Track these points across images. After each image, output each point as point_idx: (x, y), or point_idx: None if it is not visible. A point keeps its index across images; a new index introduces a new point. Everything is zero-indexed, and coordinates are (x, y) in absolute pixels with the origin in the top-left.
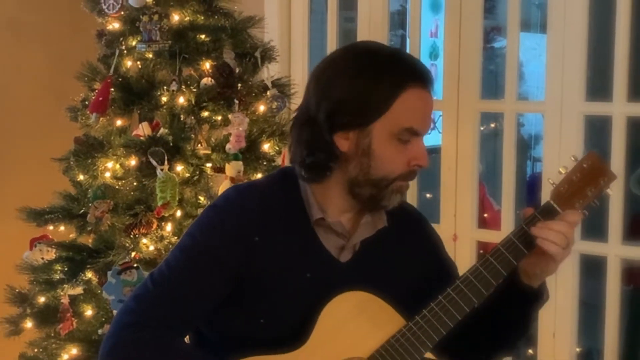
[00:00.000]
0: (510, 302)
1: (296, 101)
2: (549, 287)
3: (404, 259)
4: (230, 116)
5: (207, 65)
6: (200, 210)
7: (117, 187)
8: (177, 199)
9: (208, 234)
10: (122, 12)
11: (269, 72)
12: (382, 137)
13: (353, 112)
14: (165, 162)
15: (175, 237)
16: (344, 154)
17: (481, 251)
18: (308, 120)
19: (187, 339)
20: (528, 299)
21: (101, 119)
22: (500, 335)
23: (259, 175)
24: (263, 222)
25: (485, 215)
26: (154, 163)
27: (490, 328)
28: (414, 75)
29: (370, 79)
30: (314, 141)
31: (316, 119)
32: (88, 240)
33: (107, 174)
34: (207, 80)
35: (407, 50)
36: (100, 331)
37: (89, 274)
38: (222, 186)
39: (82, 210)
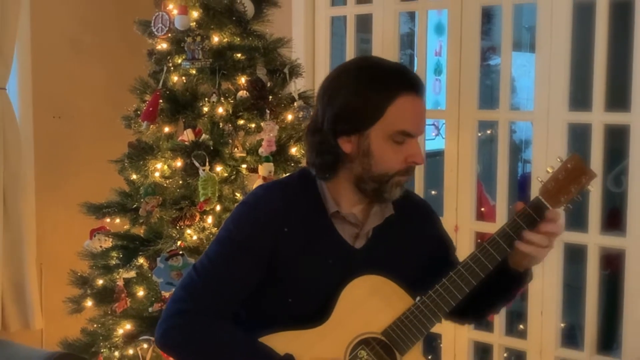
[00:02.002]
0: (499, 281)
1: None
2: (538, 273)
3: (410, 241)
4: (262, 124)
5: (242, 80)
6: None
7: (165, 185)
8: (217, 195)
9: (241, 227)
10: (170, 34)
11: (296, 86)
12: (379, 139)
13: (352, 119)
14: (207, 164)
15: (215, 228)
16: (348, 155)
17: (479, 240)
18: (317, 128)
19: None
20: (514, 280)
21: (151, 126)
22: (489, 303)
23: None
24: (287, 215)
25: (483, 209)
26: (197, 164)
27: (482, 297)
28: (404, 84)
29: (365, 89)
30: (321, 145)
31: (322, 127)
32: (140, 230)
33: (157, 174)
34: (242, 93)
35: (415, 67)
36: (150, 309)
37: (141, 260)
38: (256, 184)
39: (135, 205)
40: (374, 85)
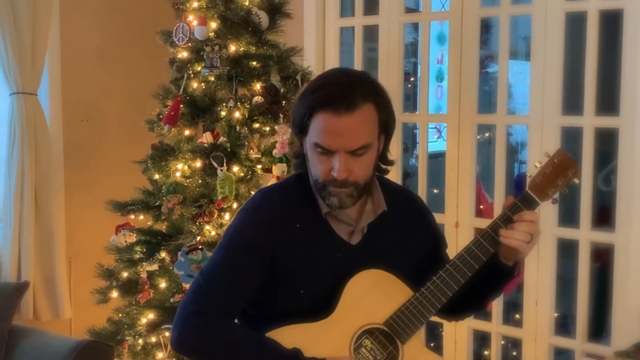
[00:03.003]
0: (489, 275)
1: None
2: (533, 266)
3: (405, 235)
4: (276, 127)
5: (257, 86)
6: None
7: (185, 184)
8: (234, 193)
9: (242, 232)
10: (190, 44)
11: None
12: (309, 147)
13: (294, 124)
14: (224, 164)
15: None
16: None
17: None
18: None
19: None
20: (503, 274)
21: (173, 129)
22: (479, 297)
23: None
24: (285, 217)
25: (481, 206)
26: (215, 165)
27: (473, 292)
28: (320, 102)
29: (301, 99)
30: (294, 147)
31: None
32: (162, 226)
33: (178, 174)
34: (257, 99)
35: (419, 74)
36: (172, 300)
37: (163, 254)
38: (270, 183)
39: (158, 203)
40: (303, 100)
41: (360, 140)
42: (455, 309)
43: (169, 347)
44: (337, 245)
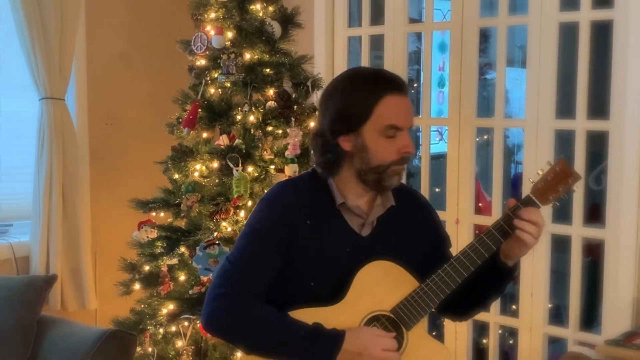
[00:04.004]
0: (490, 275)
1: None
2: (529, 260)
3: (411, 229)
4: (288, 130)
5: (271, 92)
6: None
7: (203, 183)
8: (249, 192)
9: (262, 220)
10: (207, 52)
11: (317, 97)
12: (372, 135)
13: (346, 120)
14: (240, 165)
15: None
16: (348, 152)
17: (477, 232)
18: (317, 132)
19: None
20: (503, 274)
21: (191, 132)
22: (481, 297)
23: None
24: (300, 208)
25: (480, 204)
26: (231, 165)
27: (475, 291)
28: (386, 86)
29: (354, 94)
30: (324, 146)
31: (323, 130)
32: (181, 223)
33: (196, 174)
34: (271, 103)
35: (421, 81)
36: (190, 292)
37: (182, 249)
38: None
39: (177, 201)
40: (361, 89)
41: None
42: (462, 309)
43: (188, 335)
44: (349, 236)
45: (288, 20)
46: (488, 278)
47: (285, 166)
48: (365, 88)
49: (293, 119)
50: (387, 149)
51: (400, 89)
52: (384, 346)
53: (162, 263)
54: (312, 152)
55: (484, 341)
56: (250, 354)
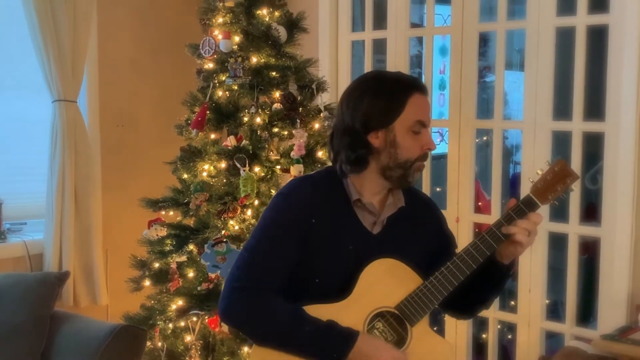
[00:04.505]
0: (489, 274)
1: None
2: (528, 258)
3: (419, 231)
4: (293, 131)
5: (277, 94)
6: None
7: (211, 183)
8: (255, 192)
9: (279, 213)
10: (215, 56)
11: (322, 99)
12: (402, 131)
13: (379, 116)
14: (247, 165)
15: (254, 220)
16: (376, 148)
17: (476, 230)
18: (345, 130)
19: None
20: (502, 273)
21: (200, 133)
22: (481, 295)
23: None
24: (315, 203)
25: (480, 203)
26: (238, 165)
27: (476, 290)
28: (414, 85)
29: (386, 92)
30: (353, 143)
31: (353, 127)
32: (190, 221)
33: (204, 174)
34: (277, 105)
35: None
36: (199, 288)
37: (191, 246)
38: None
39: (186, 200)
40: (392, 87)
41: None
42: (465, 307)
43: (197, 330)
44: (361, 233)
45: (293, 24)
46: (487, 277)
47: (291, 166)
48: (396, 86)
49: (298, 121)
50: (414, 144)
51: (423, 89)
52: (395, 356)
53: (171, 260)
54: (331, 150)
55: (484, 336)
56: (264, 346)
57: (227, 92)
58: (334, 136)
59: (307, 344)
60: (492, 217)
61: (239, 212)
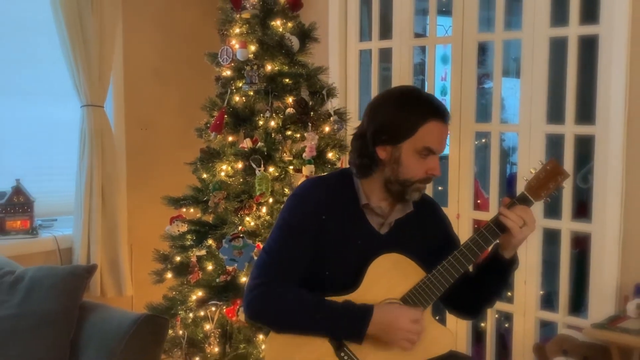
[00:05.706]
0: (492, 268)
1: (351, 124)
2: (523, 252)
3: (424, 234)
4: (305, 134)
5: (290, 99)
6: (285, 199)
7: (229, 182)
8: (270, 190)
9: (294, 214)
10: (232, 64)
11: (332, 105)
12: (408, 152)
13: (390, 133)
14: (262, 165)
15: (269, 217)
16: (382, 160)
17: (476, 225)
18: (361, 136)
19: None
20: (504, 266)
21: (218, 136)
22: (487, 290)
23: None
24: (328, 204)
25: (479, 201)
26: (254, 166)
27: (481, 286)
28: (434, 112)
29: (404, 111)
30: (362, 150)
31: (365, 135)
32: (209, 218)
33: (222, 173)
34: (290, 110)
35: (425, 89)
36: (217, 280)
37: (210, 241)
38: (300, 182)
39: (205, 198)
40: (411, 109)
41: None
42: (472, 306)
43: (215, 319)
44: (368, 233)
45: (305, 35)
46: (491, 271)
47: (303, 167)
48: (415, 109)
49: (310, 124)
50: (418, 167)
51: (444, 117)
52: (412, 317)
53: (191, 254)
54: (350, 151)
55: (482, 325)
56: (286, 331)
57: (243, 98)
58: (353, 138)
59: (327, 324)
60: (490, 214)
61: (254, 209)
